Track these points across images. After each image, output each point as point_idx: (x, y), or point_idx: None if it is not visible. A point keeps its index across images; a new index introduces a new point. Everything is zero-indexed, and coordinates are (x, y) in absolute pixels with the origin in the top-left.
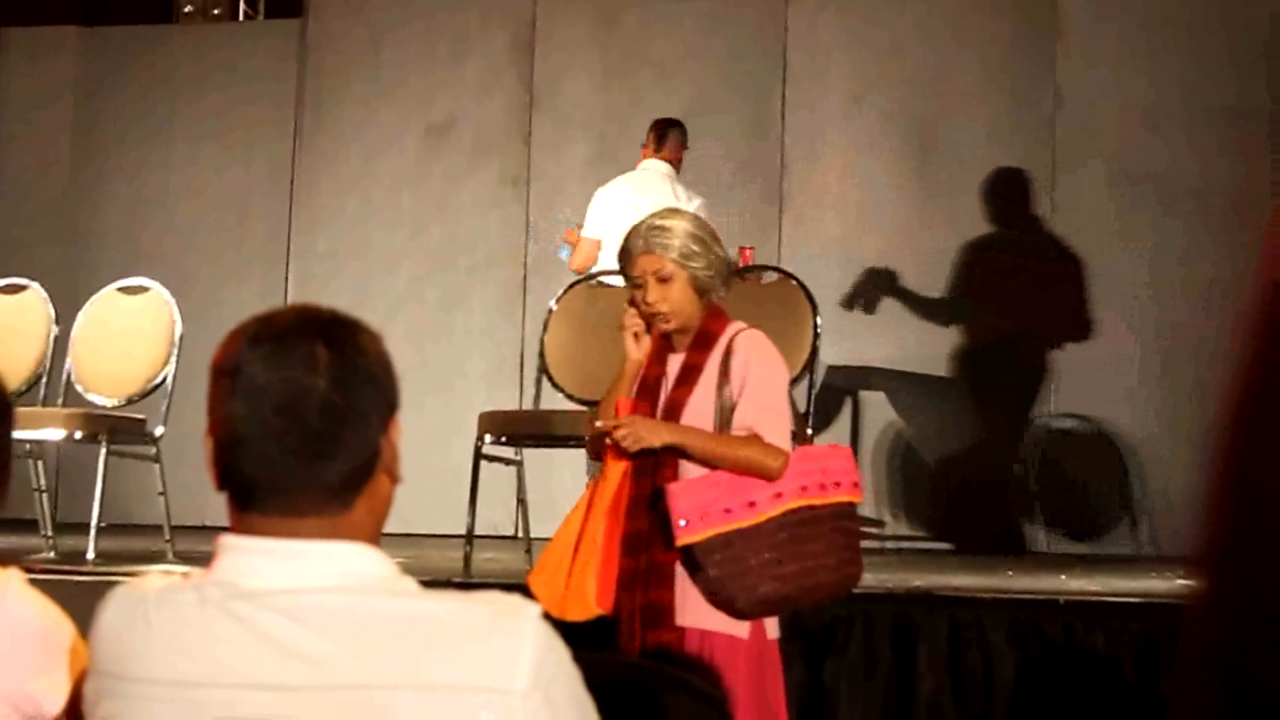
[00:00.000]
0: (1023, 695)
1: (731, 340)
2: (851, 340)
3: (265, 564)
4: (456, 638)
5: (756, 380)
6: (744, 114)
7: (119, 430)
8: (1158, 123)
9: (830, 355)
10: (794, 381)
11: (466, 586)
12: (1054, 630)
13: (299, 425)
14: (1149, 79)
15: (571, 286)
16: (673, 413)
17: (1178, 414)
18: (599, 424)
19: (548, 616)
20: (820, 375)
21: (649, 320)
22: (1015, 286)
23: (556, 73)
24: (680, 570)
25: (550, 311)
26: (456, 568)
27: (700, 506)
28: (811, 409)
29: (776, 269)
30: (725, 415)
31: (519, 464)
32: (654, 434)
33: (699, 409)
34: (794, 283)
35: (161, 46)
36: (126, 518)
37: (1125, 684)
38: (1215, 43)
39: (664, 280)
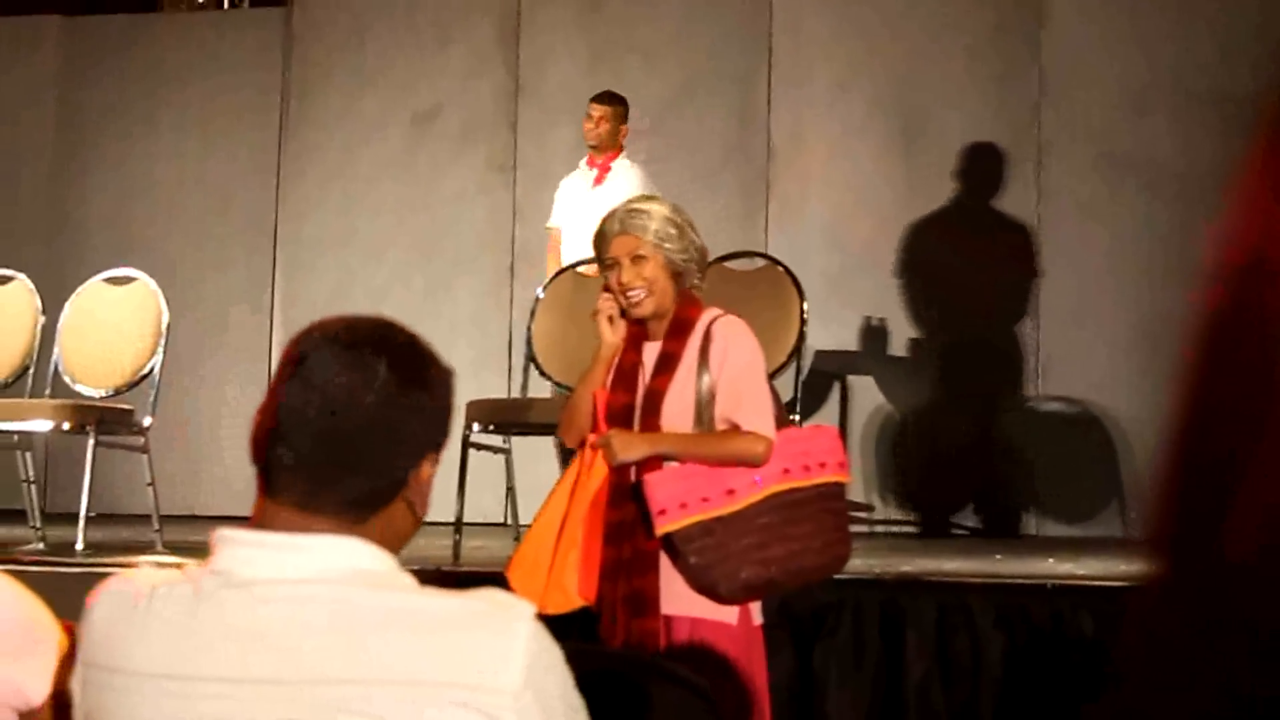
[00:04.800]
0: (1011, 680)
1: (709, 327)
2: (838, 325)
3: (260, 555)
4: (448, 634)
5: (734, 367)
6: (729, 100)
7: (107, 421)
8: (1143, 107)
9: (817, 340)
10: (781, 367)
11: (456, 575)
12: (1041, 615)
13: (338, 431)
14: (1134, 64)
15: (558, 274)
16: (653, 402)
17: (1164, 397)
18: (592, 439)
19: (543, 616)
20: (808, 361)
21: (623, 304)
22: (1001, 271)
23: (542, 58)
24: (665, 558)
25: (537, 299)
26: (446, 556)
27: (678, 495)
28: (799, 394)
29: (763, 255)
30: (704, 402)
31: (507, 452)
32: (632, 449)
33: (679, 398)
34: (780, 269)
35: (145, 36)
36: (115, 508)
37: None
38: (1201, 27)
39: (638, 260)
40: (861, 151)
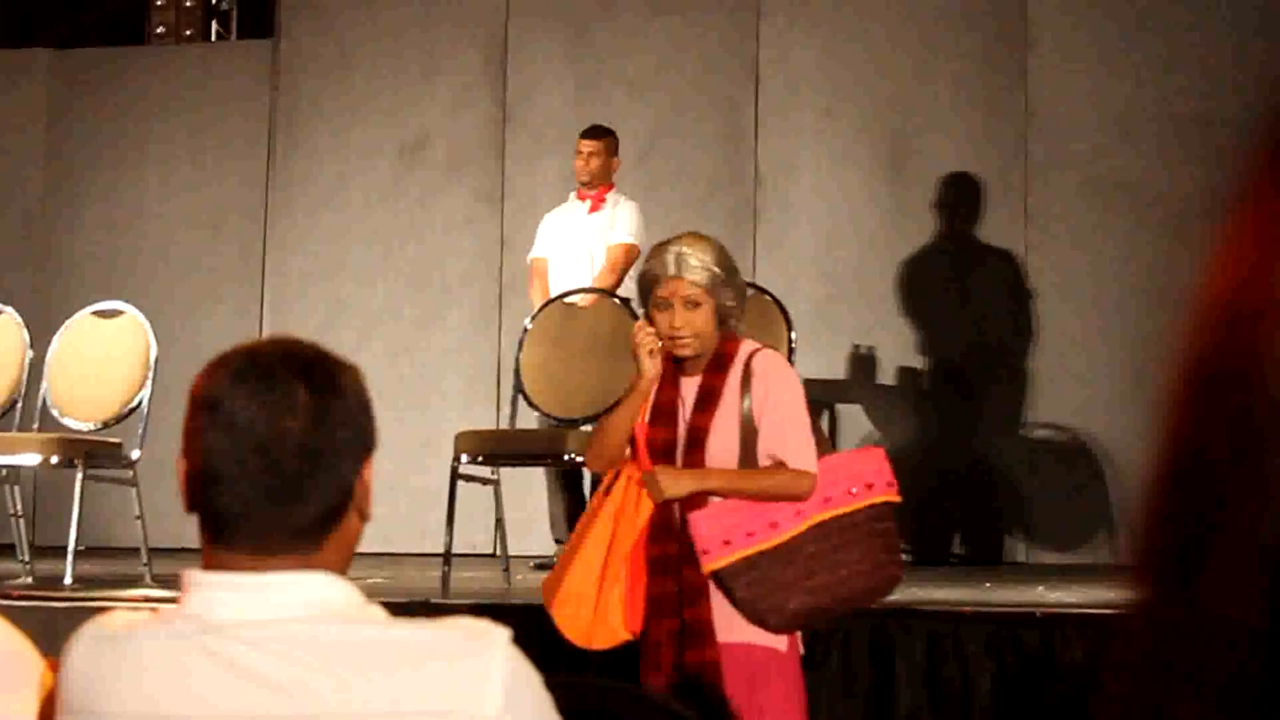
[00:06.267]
0: (1001, 709)
1: (749, 361)
2: (827, 354)
3: (232, 597)
4: (427, 663)
5: (777, 403)
6: (716, 128)
7: (95, 454)
8: (1130, 133)
9: (805, 369)
10: None
11: (444, 607)
12: (1032, 643)
13: (274, 467)
14: (1119, 90)
15: (546, 304)
16: (696, 439)
17: (1150, 426)
18: (635, 475)
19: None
20: None
21: (668, 345)
22: (990, 298)
23: (529, 89)
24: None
25: (526, 330)
26: (435, 587)
27: (722, 532)
28: None
29: (750, 284)
30: (748, 438)
31: (496, 483)
32: (678, 486)
33: (722, 433)
34: (768, 297)
35: (133, 68)
36: (104, 541)
37: None
38: (1184, 52)
39: (691, 306)
40: (849, 179)
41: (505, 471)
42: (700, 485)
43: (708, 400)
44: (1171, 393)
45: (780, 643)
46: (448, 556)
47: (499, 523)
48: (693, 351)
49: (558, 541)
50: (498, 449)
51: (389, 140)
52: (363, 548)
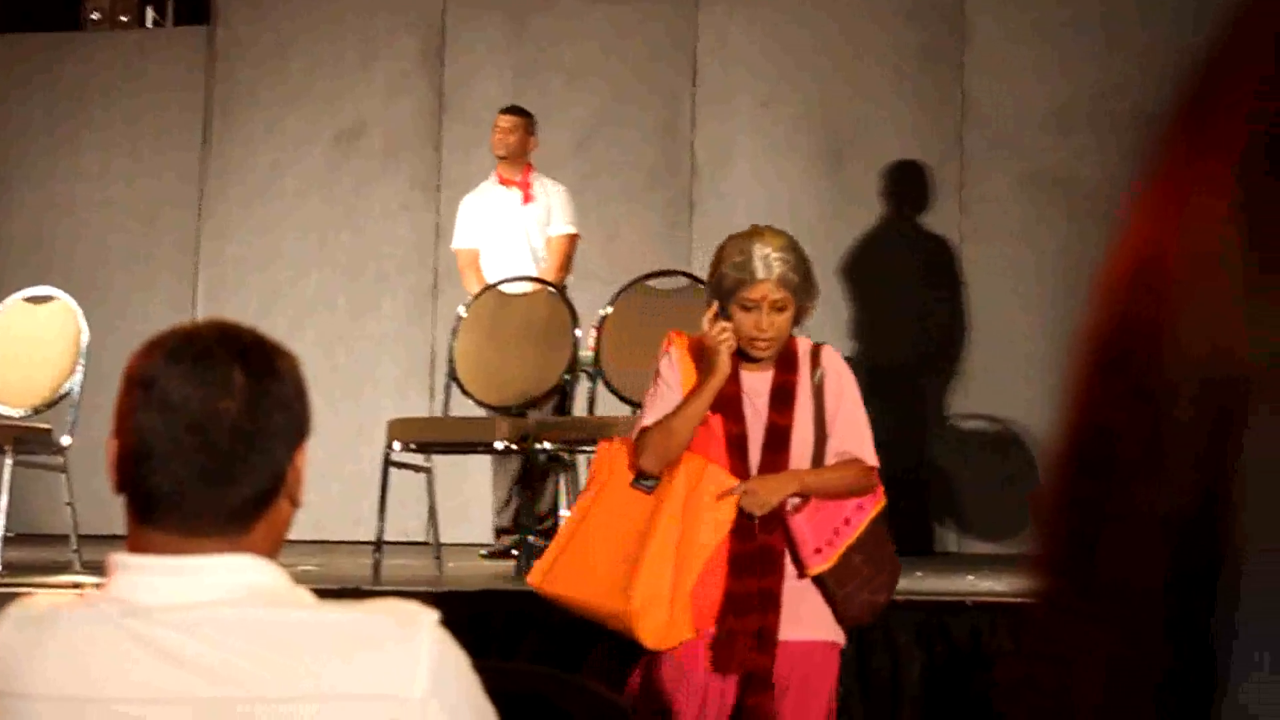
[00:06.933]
0: (930, 697)
1: (816, 358)
2: None
3: (158, 580)
4: (355, 647)
5: (850, 401)
6: (655, 118)
7: (25, 440)
8: (1066, 127)
9: None
10: None
11: (376, 594)
12: (961, 632)
13: (208, 446)
14: (1057, 84)
15: (482, 293)
16: (780, 439)
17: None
18: (721, 494)
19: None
20: None
21: (745, 345)
22: (926, 290)
23: (466, 77)
24: (787, 588)
25: (460, 318)
26: (366, 574)
27: (823, 533)
28: None
29: (686, 274)
30: (821, 435)
31: (429, 471)
32: (777, 494)
33: (802, 431)
34: (704, 288)
35: (69, 54)
36: (33, 528)
37: None
38: (1122, 48)
39: (779, 310)
40: (786, 170)
41: (438, 459)
42: (796, 488)
43: (784, 399)
44: (1075, 368)
45: (841, 637)
46: (379, 544)
47: (431, 510)
48: (770, 353)
49: (502, 531)
50: (430, 436)
51: (325, 128)
52: (294, 535)
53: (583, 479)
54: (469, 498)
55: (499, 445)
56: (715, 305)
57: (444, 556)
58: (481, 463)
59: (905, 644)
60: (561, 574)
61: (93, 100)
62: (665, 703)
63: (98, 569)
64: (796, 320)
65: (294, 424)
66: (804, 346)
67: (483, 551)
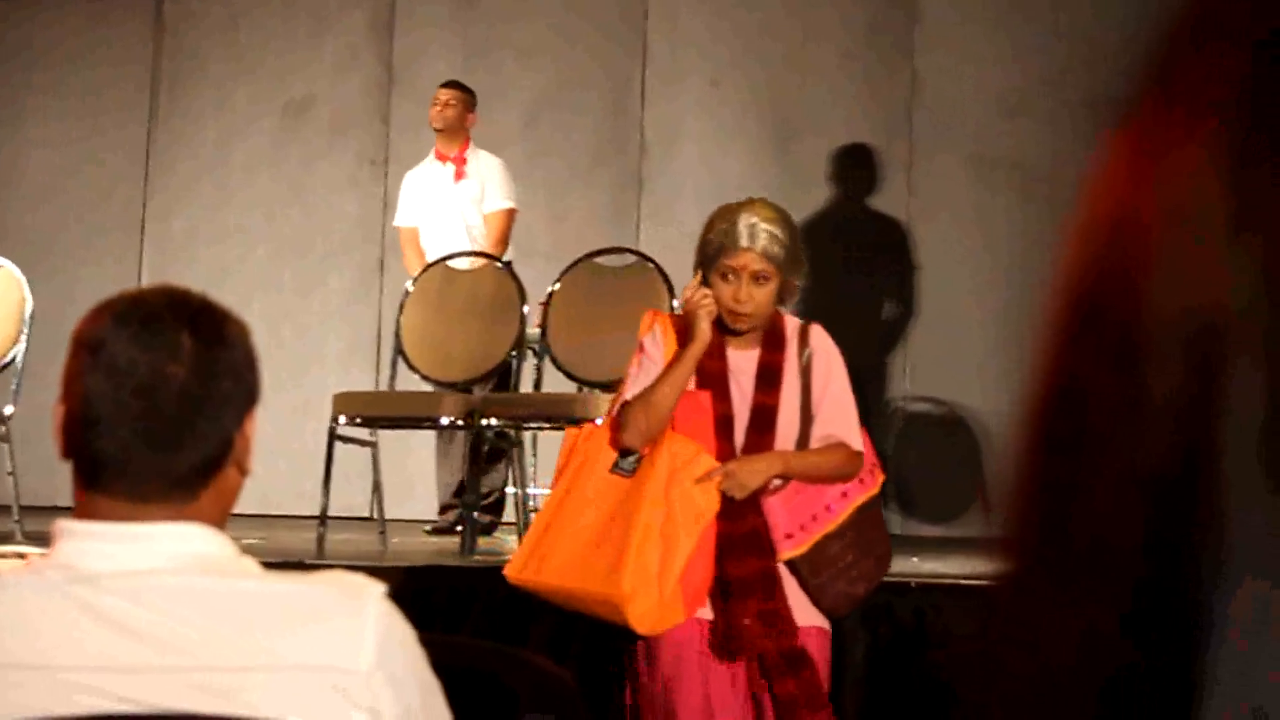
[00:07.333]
0: (874, 678)
1: (804, 337)
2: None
3: (104, 547)
4: (302, 618)
5: (837, 383)
6: (604, 97)
7: None
8: (1015, 110)
9: None
10: None
11: (319, 568)
12: (905, 613)
13: (155, 411)
14: (1006, 67)
15: (429, 268)
16: (766, 419)
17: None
18: (700, 477)
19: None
20: None
21: (724, 315)
22: (873, 271)
23: (416, 52)
24: (783, 571)
25: (407, 293)
26: (310, 549)
27: (797, 518)
28: None
29: (634, 252)
30: (806, 417)
31: (374, 445)
32: (758, 476)
33: (788, 412)
34: (651, 265)
35: (15, 20)
36: None
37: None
38: (1072, 31)
39: (760, 280)
40: (735, 150)
41: (383, 434)
42: (778, 470)
43: (770, 378)
44: (1051, 320)
45: (827, 624)
46: (324, 518)
47: (376, 485)
48: (749, 326)
49: (447, 507)
50: (376, 411)
51: (273, 103)
52: (240, 508)
53: (529, 456)
54: (414, 473)
55: (444, 420)
56: (700, 272)
57: (388, 532)
58: (427, 438)
59: (849, 625)
60: (541, 563)
61: (39, 71)
62: (666, 690)
63: (41, 540)
64: (782, 298)
65: (243, 391)
66: (792, 325)
67: (427, 528)
